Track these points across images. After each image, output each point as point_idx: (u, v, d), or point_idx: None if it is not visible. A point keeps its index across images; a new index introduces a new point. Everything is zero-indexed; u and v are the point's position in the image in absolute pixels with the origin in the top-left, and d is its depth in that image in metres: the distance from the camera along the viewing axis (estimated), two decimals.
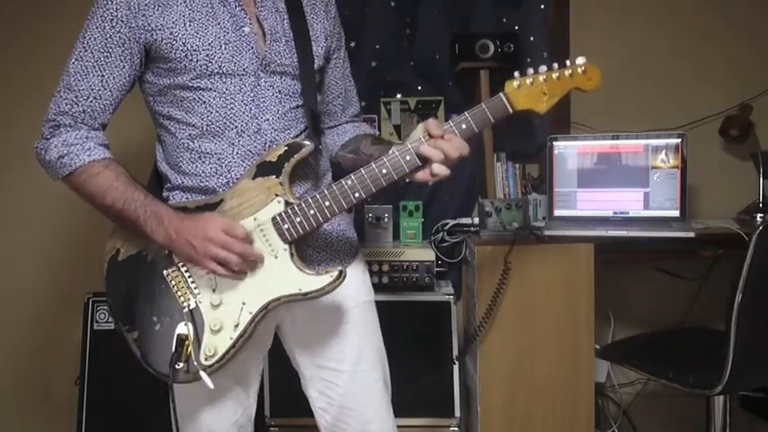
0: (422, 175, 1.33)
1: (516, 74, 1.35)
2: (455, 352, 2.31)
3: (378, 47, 2.67)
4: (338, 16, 1.59)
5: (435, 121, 1.32)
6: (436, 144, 1.30)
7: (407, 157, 1.32)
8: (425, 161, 1.31)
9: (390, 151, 1.33)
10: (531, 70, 1.35)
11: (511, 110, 1.34)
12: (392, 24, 2.69)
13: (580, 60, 1.36)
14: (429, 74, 2.71)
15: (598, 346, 2.21)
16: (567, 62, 1.36)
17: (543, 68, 1.36)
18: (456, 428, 2.30)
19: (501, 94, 1.34)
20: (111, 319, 2.36)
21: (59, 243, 2.70)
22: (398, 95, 2.70)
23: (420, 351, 2.24)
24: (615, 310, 2.61)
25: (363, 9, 2.65)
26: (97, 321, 2.38)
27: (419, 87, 2.72)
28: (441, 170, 1.30)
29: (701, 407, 2.14)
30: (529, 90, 1.34)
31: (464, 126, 1.33)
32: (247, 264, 1.30)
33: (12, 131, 2.66)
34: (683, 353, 2.08)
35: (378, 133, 1.63)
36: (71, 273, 2.67)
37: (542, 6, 2.69)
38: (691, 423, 2.46)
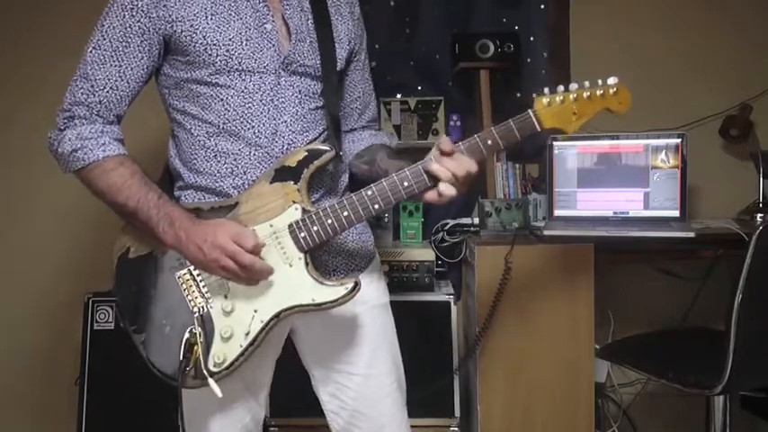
0: (430, 196, 1.30)
1: (546, 90, 1.32)
2: (455, 354, 2.31)
3: (378, 47, 2.67)
4: (362, 18, 1.56)
5: (447, 139, 1.28)
6: (442, 162, 1.27)
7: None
8: (435, 181, 1.28)
9: (413, 164, 1.30)
10: (561, 87, 1.32)
11: (539, 128, 1.30)
12: (392, 24, 2.69)
13: (612, 80, 1.33)
14: (429, 74, 2.71)
15: (598, 346, 2.21)
16: (599, 81, 1.33)
17: (574, 86, 1.32)
18: (456, 428, 2.30)
19: (530, 111, 1.31)
20: (111, 319, 2.36)
21: (60, 243, 2.70)
22: (398, 95, 2.70)
23: (420, 351, 2.24)
24: (615, 310, 2.60)
25: (363, 9, 2.63)
26: (97, 321, 2.38)
27: (419, 87, 2.72)
28: (447, 190, 1.27)
29: (701, 407, 2.14)
30: (559, 108, 1.31)
31: (489, 142, 1.29)
32: (259, 278, 1.27)
33: (13, 132, 2.67)
34: (683, 353, 2.07)
35: (394, 144, 1.62)
36: (71, 273, 2.67)
37: (542, 6, 2.69)
38: (691, 423, 2.46)
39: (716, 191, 2.63)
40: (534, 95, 1.33)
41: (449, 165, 1.26)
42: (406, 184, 1.29)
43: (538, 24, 2.69)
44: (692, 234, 2.10)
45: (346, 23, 1.49)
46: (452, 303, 2.32)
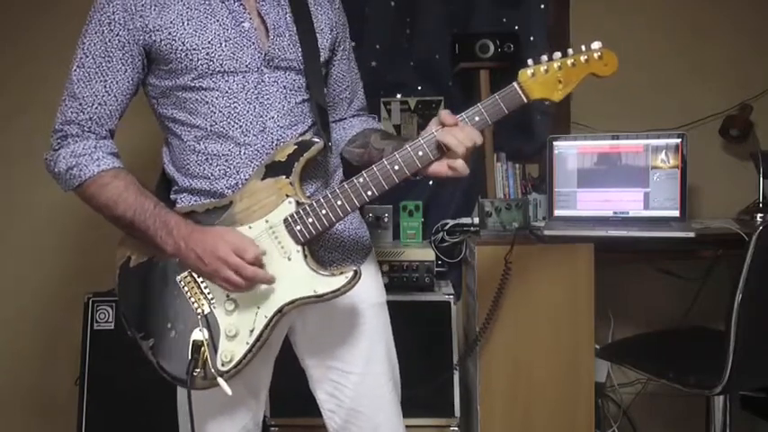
0: (438, 168, 1.29)
1: (530, 61, 1.31)
2: (455, 354, 2.31)
3: (378, 47, 2.68)
4: (342, 7, 1.56)
5: (447, 111, 1.29)
6: (451, 131, 1.27)
7: (420, 153, 1.29)
8: (441, 153, 1.28)
9: (403, 147, 1.30)
10: (545, 57, 1.31)
11: (525, 100, 1.30)
12: (392, 24, 2.69)
13: (596, 45, 1.32)
14: (429, 74, 2.71)
15: (598, 346, 2.21)
16: (583, 47, 1.32)
17: (558, 55, 1.31)
18: (456, 428, 2.30)
19: (514, 83, 1.30)
20: (111, 319, 2.36)
21: (60, 243, 2.70)
22: (398, 95, 2.70)
23: (420, 351, 2.24)
24: (615, 310, 2.60)
25: (363, 9, 2.65)
26: (97, 321, 2.37)
27: (419, 87, 2.72)
28: (460, 166, 1.27)
29: (701, 407, 2.14)
30: (544, 78, 1.30)
31: (477, 118, 1.29)
32: (260, 285, 1.28)
33: (13, 132, 2.67)
34: (683, 353, 2.08)
35: (383, 129, 1.61)
36: (71, 273, 2.67)
37: (542, 6, 2.69)
38: (691, 423, 2.46)
39: (716, 191, 2.62)
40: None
41: (458, 134, 1.26)
42: (396, 168, 1.29)
43: (538, 24, 2.70)
44: (692, 234, 2.10)
45: (326, 13, 1.48)
46: (452, 303, 2.32)
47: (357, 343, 1.46)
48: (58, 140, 1.34)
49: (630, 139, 2.33)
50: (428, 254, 2.37)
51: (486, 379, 2.18)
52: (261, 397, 1.49)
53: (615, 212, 2.33)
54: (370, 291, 1.49)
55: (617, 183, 2.33)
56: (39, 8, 2.68)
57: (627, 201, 2.32)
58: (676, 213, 2.27)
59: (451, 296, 2.33)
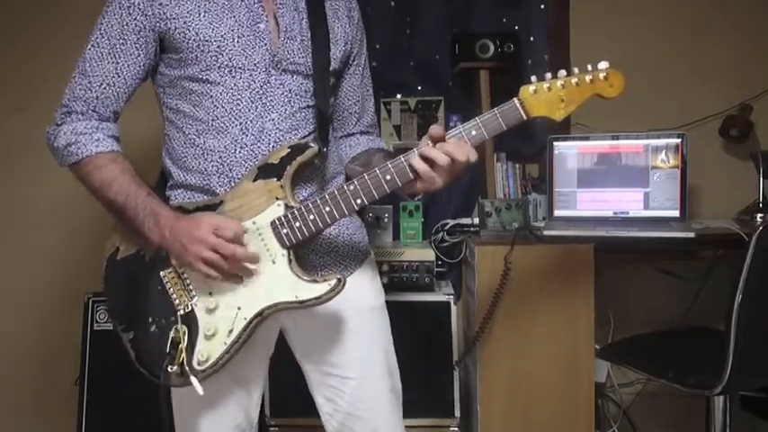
0: (423, 185, 1.28)
1: (533, 78, 1.28)
2: (455, 354, 2.31)
3: (378, 47, 2.68)
4: (361, 23, 1.57)
5: (438, 127, 1.26)
6: (442, 147, 1.24)
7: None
8: (432, 167, 1.25)
9: (397, 158, 1.28)
10: (548, 75, 1.28)
11: (525, 117, 1.28)
12: (392, 24, 2.70)
13: (602, 65, 1.29)
14: (429, 74, 2.71)
15: (598, 346, 2.21)
16: (589, 66, 1.29)
17: (562, 73, 1.28)
18: (456, 428, 2.30)
19: (515, 99, 1.28)
20: (110, 319, 2.36)
21: (59, 243, 2.70)
22: (398, 95, 2.70)
23: (420, 352, 2.24)
24: (615, 310, 2.60)
25: (363, 9, 2.64)
26: (97, 321, 2.38)
27: (419, 87, 2.72)
28: (433, 178, 1.24)
29: (701, 407, 2.14)
30: (546, 96, 1.27)
31: (474, 132, 1.27)
32: (244, 268, 1.27)
33: (13, 132, 2.67)
34: (683, 353, 2.07)
35: (391, 149, 1.60)
36: (71, 273, 2.67)
37: (542, 6, 2.70)
38: (691, 423, 2.46)
39: (716, 191, 2.63)
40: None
41: (449, 148, 1.24)
42: (388, 177, 1.27)
43: (538, 24, 2.70)
44: (691, 234, 2.10)
45: (343, 26, 1.49)
46: (452, 303, 2.32)
47: (352, 348, 1.45)
48: (62, 116, 1.35)
49: (630, 139, 2.33)
50: (428, 254, 2.37)
51: (486, 379, 2.18)
52: (254, 395, 1.48)
53: (615, 212, 2.33)
54: (364, 296, 1.48)
55: (617, 183, 2.33)
56: (39, 8, 2.68)
57: (627, 201, 2.32)
58: (676, 213, 2.27)
59: (451, 296, 2.33)
